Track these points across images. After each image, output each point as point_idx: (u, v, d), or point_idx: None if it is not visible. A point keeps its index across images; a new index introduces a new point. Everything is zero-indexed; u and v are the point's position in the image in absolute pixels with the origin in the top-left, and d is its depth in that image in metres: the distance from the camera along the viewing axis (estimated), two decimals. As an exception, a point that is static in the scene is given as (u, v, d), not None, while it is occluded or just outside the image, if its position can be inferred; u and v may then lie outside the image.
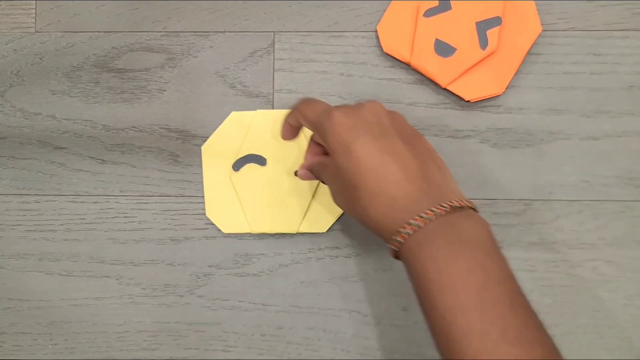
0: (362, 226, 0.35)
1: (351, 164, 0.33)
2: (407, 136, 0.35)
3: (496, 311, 0.29)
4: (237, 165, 0.44)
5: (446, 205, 0.32)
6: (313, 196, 0.44)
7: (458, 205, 0.32)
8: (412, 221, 0.31)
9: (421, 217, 0.31)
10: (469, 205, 0.33)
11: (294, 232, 0.44)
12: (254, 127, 0.44)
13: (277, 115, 0.44)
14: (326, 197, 0.44)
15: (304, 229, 0.44)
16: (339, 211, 0.44)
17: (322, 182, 0.39)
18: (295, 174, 0.43)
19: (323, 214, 0.44)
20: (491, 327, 0.28)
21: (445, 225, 0.31)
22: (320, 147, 0.39)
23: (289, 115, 0.39)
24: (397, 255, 0.33)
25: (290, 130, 0.40)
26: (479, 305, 0.29)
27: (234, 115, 0.45)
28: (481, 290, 0.29)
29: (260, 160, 0.44)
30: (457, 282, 0.29)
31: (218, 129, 0.45)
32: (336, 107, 0.35)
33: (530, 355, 0.28)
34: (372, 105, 0.35)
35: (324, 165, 0.37)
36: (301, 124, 0.38)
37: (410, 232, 0.31)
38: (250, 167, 0.44)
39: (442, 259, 0.30)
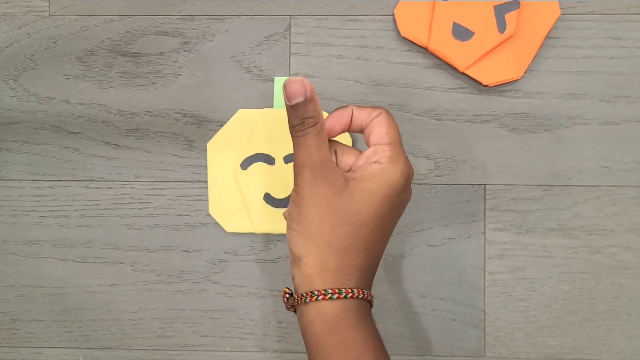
0: (292, 242, 0.33)
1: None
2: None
3: None
4: (245, 163, 0.44)
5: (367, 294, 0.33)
6: None
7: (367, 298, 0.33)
8: (342, 290, 0.31)
9: (347, 291, 0.31)
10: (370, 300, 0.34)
11: None
12: (261, 125, 0.44)
13: (284, 114, 0.44)
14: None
15: None
16: None
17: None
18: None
19: None
20: None
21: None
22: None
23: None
24: (292, 302, 0.33)
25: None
26: None
27: (241, 113, 0.44)
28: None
29: (269, 160, 0.44)
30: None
31: (224, 126, 0.44)
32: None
33: None
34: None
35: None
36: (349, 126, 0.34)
37: (335, 297, 0.31)
38: (258, 166, 0.44)
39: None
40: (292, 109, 0.31)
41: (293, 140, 0.32)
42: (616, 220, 0.44)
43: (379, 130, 0.33)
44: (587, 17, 0.44)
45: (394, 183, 0.32)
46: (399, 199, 0.33)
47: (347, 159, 0.34)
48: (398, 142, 0.33)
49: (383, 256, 0.45)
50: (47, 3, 0.46)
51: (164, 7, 0.45)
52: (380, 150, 0.32)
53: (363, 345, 0.31)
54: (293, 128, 0.31)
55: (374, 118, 0.33)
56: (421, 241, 0.44)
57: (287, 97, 0.31)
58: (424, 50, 0.44)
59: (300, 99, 0.31)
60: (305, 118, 0.31)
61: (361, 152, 0.34)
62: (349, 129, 0.34)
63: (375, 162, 0.32)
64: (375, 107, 0.34)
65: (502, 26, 0.43)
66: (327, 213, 0.31)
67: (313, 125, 0.31)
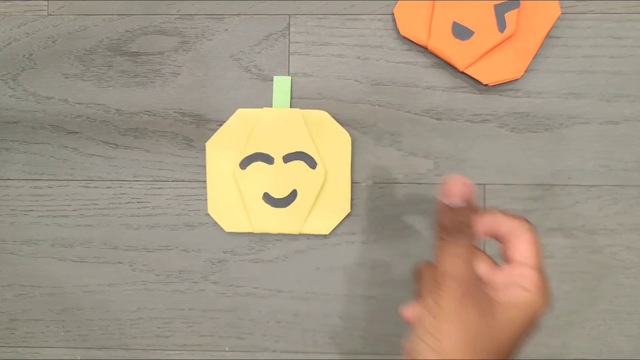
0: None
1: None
2: None
3: None
4: (244, 163, 0.44)
5: None
6: (317, 198, 0.43)
7: None
8: None
9: None
10: None
11: (297, 233, 0.44)
12: (260, 124, 0.44)
13: (284, 114, 0.44)
14: (330, 198, 0.44)
15: (306, 230, 0.44)
16: (343, 213, 0.44)
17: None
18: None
19: (327, 215, 0.44)
20: None
21: None
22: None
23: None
24: None
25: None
26: None
27: (240, 112, 0.44)
28: None
29: (268, 159, 0.44)
30: None
31: (223, 125, 0.44)
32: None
33: None
34: None
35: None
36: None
37: None
38: (257, 166, 0.44)
39: None
40: (447, 210, 0.28)
41: (439, 242, 0.29)
42: (616, 219, 0.44)
43: (525, 248, 0.30)
44: (587, 16, 0.44)
45: (538, 314, 0.29)
46: (536, 326, 0.30)
47: (480, 267, 0.30)
48: (543, 267, 0.30)
49: (381, 256, 0.45)
50: (45, 2, 0.45)
51: (162, 7, 0.45)
52: (527, 275, 0.29)
53: None
54: (443, 229, 0.28)
55: (520, 232, 0.30)
56: (421, 241, 0.44)
57: (445, 194, 0.28)
58: (424, 49, 0.44)
59: (459, 203, 0.28)
60: (460, 223, 0.28)
61: (495, 262, 0.31)
62: (490, 235, 0.31)
63: (521, 287, 0.29)
64: (519, 218, 0.30)
65: (502, 25, 0.43)
66: (469, 335, 0.28)
67: (468, 234, 0.28)
